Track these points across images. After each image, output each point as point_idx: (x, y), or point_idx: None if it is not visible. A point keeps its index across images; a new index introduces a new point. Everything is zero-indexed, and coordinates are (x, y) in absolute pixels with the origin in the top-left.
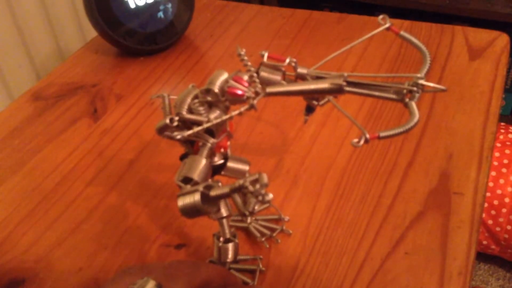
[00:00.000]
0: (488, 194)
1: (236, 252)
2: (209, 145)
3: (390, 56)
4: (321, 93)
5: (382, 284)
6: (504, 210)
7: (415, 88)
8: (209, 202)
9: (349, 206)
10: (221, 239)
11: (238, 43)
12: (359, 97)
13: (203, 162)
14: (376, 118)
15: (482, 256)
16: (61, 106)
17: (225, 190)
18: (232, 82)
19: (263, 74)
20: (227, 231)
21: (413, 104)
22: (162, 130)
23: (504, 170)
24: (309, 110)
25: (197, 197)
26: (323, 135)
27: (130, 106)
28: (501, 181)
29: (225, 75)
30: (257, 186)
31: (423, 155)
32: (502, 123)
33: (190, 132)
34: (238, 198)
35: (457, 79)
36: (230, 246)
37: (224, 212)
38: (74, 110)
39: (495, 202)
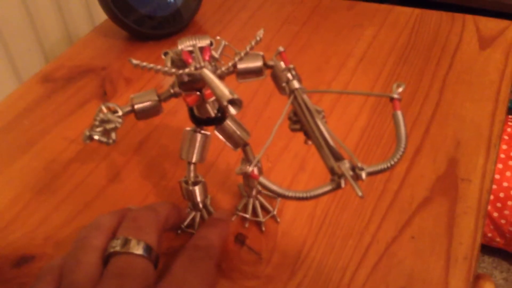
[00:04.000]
0: (494, 186)
1: (203, 193)
2: (171, 90)
3: (400, 43)
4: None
5: (387, 267)
6: (509, 203)
7: (337, 172)
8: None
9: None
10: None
11: (247, 29)
12: (367, 83)
13: (152, 97)
14: (385, 104)
15: (486, 249)
16: (70, 88)
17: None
18: (195, 49)
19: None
20: (192, 174)
21: (324, 188)
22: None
23: (510, 162)
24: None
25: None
26: (331, 121)
27: (139, 89)
28: (508, 173)
29: (205, 42)
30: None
31: (431, 141)
32: (510, 116)
33: (151, 65)
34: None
35: (467, 67)
36: (197, 188)
37: (195, 157)
38: (84, 92)
39: (501, 195)
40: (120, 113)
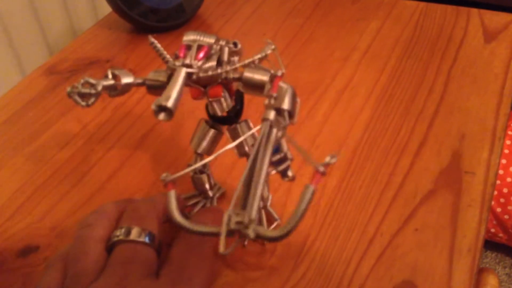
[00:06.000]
0: (498, 182)
1: (210, 182)
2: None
3: (404, 37)
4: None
5: (391, 259)
6: None
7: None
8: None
9: (359, 184)
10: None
11: (250, 23)
12: (371, 77)
13: (162, 79)
14: (390, 97)
15: (489, 244)
16: (75, 80)
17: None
18: (193, 46)
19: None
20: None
21: (212, 228)
22: None
23: None
24: (284, 175)
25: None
26: (335, 114)
27: None
28: (511, 169)
29: (209, 40)
30: None
31: (435, 134)
32: None
33: (161, 48)
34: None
35: (471, 61)
36: (202, 176)
37: (202, 149)
38: None
39: (505, 190)
40: (125, 81)
